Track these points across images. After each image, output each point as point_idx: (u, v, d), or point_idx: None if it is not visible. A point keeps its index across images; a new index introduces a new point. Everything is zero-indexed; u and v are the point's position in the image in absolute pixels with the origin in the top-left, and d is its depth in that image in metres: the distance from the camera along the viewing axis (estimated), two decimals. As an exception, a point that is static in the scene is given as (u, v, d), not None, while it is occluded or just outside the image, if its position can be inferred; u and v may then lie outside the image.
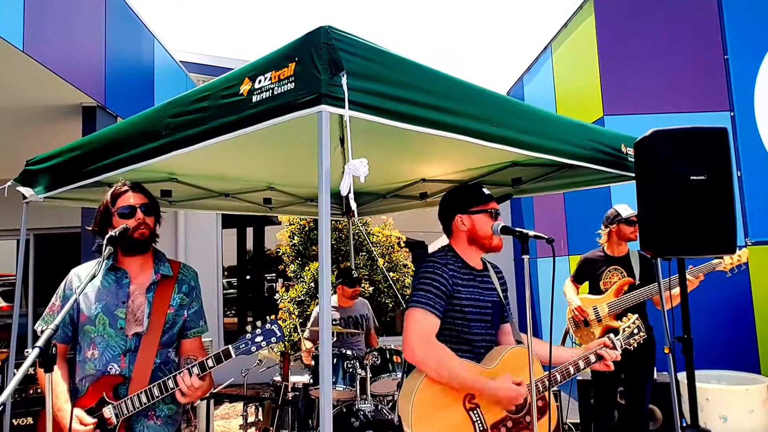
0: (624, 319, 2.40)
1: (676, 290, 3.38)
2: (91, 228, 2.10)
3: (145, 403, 1.90)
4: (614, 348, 2.27)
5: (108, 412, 1.90)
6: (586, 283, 3.93)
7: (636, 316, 2.42)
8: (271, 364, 4.86)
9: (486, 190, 2.21)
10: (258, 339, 1.93)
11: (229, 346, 1.92)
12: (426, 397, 1.92)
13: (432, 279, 2.04)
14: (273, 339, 1.94)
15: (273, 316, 2.00)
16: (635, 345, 2.37)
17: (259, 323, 1.97)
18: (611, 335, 2.35)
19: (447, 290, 2.04)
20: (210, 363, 1.90)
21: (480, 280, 2.18)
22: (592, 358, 2.23)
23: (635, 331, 2.38)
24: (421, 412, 1.89)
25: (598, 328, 3.68)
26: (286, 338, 6.05)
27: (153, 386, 1.90)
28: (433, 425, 1.90)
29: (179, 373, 1.89)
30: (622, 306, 3.61)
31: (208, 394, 4.17)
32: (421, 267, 2.11)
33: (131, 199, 2.03)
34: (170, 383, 1.89)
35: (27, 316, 7.60)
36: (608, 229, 3.80)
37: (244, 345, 1.92)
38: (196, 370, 1.89)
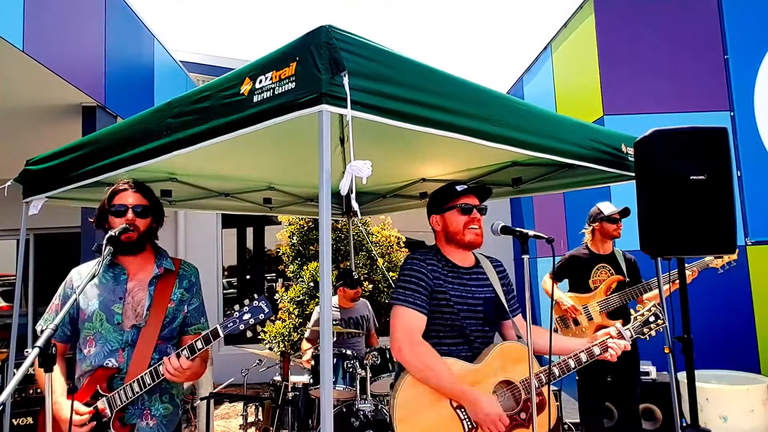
0: (638, 306, 2.35)
1: (663, 289, 3.45)
2: (92, 220, 2.11)
3: (137, 392, 1.90)
4: (622, 338, 2.21)
5: (102, 404, 1.90)
6: (565, 281, 3.92)
7: (654, 302, 2.36)
8: (271, 364, 4.85)
9: (460, 187, 2.17)
10: (246, 317, 1.92)
11: (217, 325, 1.91)
12: (410, 396, 1.91)
13: (410, 275, 2.05)
14: (261, 315, 1.92)
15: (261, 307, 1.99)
16: (653, 334, 2.26)
17: (246, 301, 1.95)
18: (618, 324, 2.29)
19: (428, 285, 2.05)
20: (199, 345, 1.90)
21: (468, 277, 2.17)
22: (597, 350, 2.16)
23: (651, 318, 2.27)
24: (403, 412, 1.89)
25: (591, 328, 3.65)
26: (286, 338, 6.04)
27: (144, 374, 1.90)
28: (418, 425, 1.89)
29: (168, 357, 1.90)
30: (613, 305, 3.62)
31: (208, 394, 4.17)
32: (402, 265, 2.13)
33: (128, 198, 2.02)
34: (161, 369, 1.89)
35: (27, 316, 7.60)
36: (591, 227, 3.85)
37: (231, 323, 1.91)
38: (185, 353, 1.88)
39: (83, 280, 1.75)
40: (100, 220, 2.06)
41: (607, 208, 3.76)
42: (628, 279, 3.69)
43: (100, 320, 1.97)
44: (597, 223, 3.78)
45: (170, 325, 2.05)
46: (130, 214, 1.99)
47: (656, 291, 3.60)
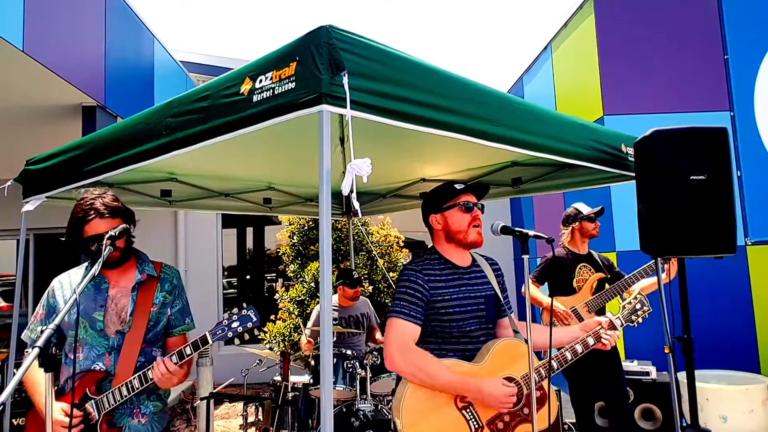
0: (625, 294, 2.40)
1: (649, 281, 3.51)
2: (64, 238, 2.05)
3: (125, 396, 1.92)
4: (613, 328, 2.26)
5: (90, 406, 1.92)
6: (545, 285, 3.91)
7: (638, 290, 2.42)
8: (271, 364, 4.85)
9: (458, 185, 2.18)
10: (234, 324, 1.96)
11: (206, 332, 1.95)
12: (415, 402, 1.91)
13: (407, 287, 2.06)
14: (249, 324, 1.97)
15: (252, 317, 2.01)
16: (640, 321, 2.34)
17: (235, 309, 1.99)
18: (609, 314, 2.33)
19: (424, 296, 2.05)
20: (188, 351, 1.93)
21: (468, 277, 2.17)
22: (591, 340, 2.22)
23: (638, 306, 2.35)
24: (410, 418, 1.89)
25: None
26: (286, 338, 6.04)
27: (133, 378, 1.92)
28: (425, 430, 1.89)
29: (157, 362, 1.92)
30: (601, 303, 3.62)
31: (208, 394, 4.17)
32: (399, 276, 2.13)
33: (100, 226, 1.96)
34: (149, 374, 1.92)
35: (27, 316, 7.60)
36: (570, 228, 3.86)
37: (221, 331, 1.95)
38: (174, 359, 1.92)
39: (83, 281, 1.75)
40: (73, 240, 2.00)
41: (584, 208, 3.81)
42: (609, 276, 3.72)
43: (84, 327, 1.99)
44: (577, 223, 3.81)
45: (154, 328, 2.08)
46: (107, 240, 1.91)
47: (639, 284, 3.60)
